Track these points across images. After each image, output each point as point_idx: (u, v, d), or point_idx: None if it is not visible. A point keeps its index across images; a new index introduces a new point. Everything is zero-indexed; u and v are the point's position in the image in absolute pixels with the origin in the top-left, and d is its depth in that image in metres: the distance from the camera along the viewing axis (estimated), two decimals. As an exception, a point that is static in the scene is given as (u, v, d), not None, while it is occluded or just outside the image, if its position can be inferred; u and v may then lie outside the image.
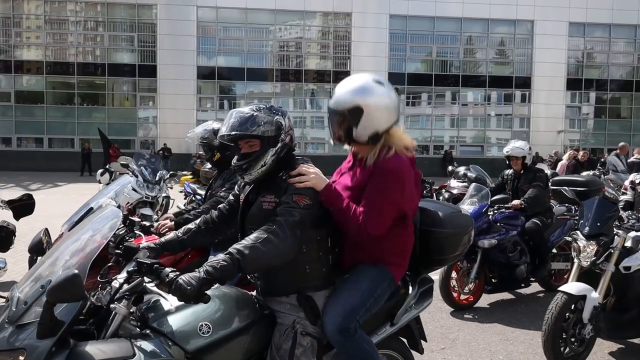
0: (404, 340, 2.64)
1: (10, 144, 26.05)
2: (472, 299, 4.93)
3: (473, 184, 5.43)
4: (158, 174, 8.14)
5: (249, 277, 2.26)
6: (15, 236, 5.18)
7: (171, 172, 8.44)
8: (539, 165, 8.08)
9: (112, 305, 1.82)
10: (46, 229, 3.65)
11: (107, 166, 9.66)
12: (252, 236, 1.92)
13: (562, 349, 3.43)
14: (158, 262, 1.84)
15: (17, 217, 4.80)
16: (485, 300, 5.09)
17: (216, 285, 1.94)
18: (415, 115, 29.03)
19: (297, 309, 2.07)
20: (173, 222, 3.04)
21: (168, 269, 1.79)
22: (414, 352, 2.66)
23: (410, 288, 2.46)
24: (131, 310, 1.85)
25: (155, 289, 1.81)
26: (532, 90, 28.05)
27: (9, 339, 1.60)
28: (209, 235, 2.31)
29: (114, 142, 16.21)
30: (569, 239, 3.82)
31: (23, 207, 4.75)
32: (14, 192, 5.02)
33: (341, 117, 2.14)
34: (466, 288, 4.89)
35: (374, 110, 2.12)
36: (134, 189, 7.79)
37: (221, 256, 1.84)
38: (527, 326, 4.38)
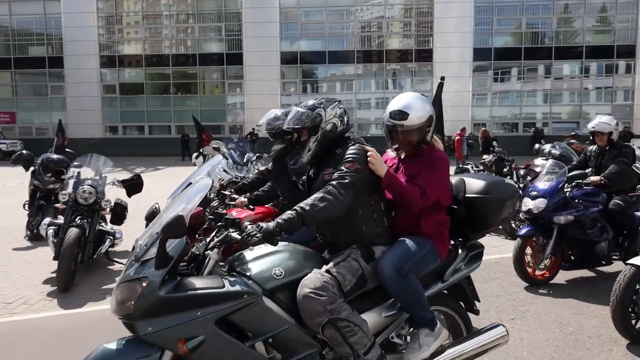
0: (461, 303, 2.87)
1: (116, 132, 28.73)
2: (547, 275, 4.94)
3: (550, 161, 5.37)
4: (246, 156, 8.75)
5: (318, 238, 2.68)
6: (127, 212, 5.99)
7: (257, 155, 9.02)
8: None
9: (206, 252, 2.32)
10: (157, 203, 4.30)
11: (201, 150, 10.48)
12: (313, 196, 2.34)
13: (633, 322, 3.45)
14: (238, 218, 2.33)
15: (129, 194, 5.53)
16: (563, 276, 5.07)
17: (287, 243, 2.37)
18: (503, 91, 27.80)
19: (355, 249, 2.47)
20: (247, 199, 3.65)
21: (247, 222, 2.27)
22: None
23: (460, 251, 2.75)
24: (221, 258, 2.32)
25: (237, 236, 2.25)
26: (637, 60, 25.71)
27: (135, 271, 2.12)
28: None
29: (205, 127, 17.35)
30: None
31: (134, 185, 5.47)
32: (122, 175, 5.78)
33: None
34: (541, 264, 4.91)
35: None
36: (224, 170, 8.49)
37: (289, 212, 2.27)
38: (604, 302, 4.29)
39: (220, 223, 2.39)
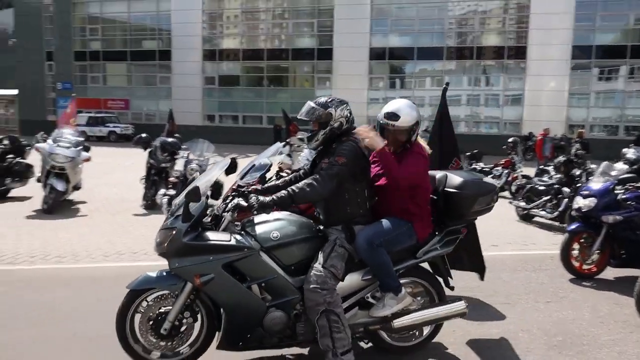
0: (440, 279, 3.38)
1: (213, 121, 31.08)
2: (594, 270, 5.26)
3: (605, 163, 5.61)
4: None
5: (315, 213, 3.29)
6: (223, 189, 7.07)
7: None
8: None
9: (223, 214, 3.03)
10: (198, 172, 5.14)
11: (288, 140, 11.52)
12: (304, 181, 2.96)
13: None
14: (248, 191, 3.09)
15: (226, 173, 6.57)
16: (612, 273, 5.35)
17: (289, 213, 3.11)
18: (604, 91, 26.25)
19: (340, 232, 3.03)
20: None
21: (253, 195, 2.97)
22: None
23: (436, 234, 3.26)
24: (234, 218, 2.98)
25: (244, 203, 2.88)
26: None
27: (170, 223, 2.95)
28: None
29: (293, 120, 18.44)
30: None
31: (230, 167, 6.52)
32: (217, 160, 6.91)
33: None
34: (589, 259, 5.24)
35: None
36: (308, 159, 9.44)
37: (283, 191, 2.92)
38: (645, 298, 4.62)
39: (234, 194, 3.12)
